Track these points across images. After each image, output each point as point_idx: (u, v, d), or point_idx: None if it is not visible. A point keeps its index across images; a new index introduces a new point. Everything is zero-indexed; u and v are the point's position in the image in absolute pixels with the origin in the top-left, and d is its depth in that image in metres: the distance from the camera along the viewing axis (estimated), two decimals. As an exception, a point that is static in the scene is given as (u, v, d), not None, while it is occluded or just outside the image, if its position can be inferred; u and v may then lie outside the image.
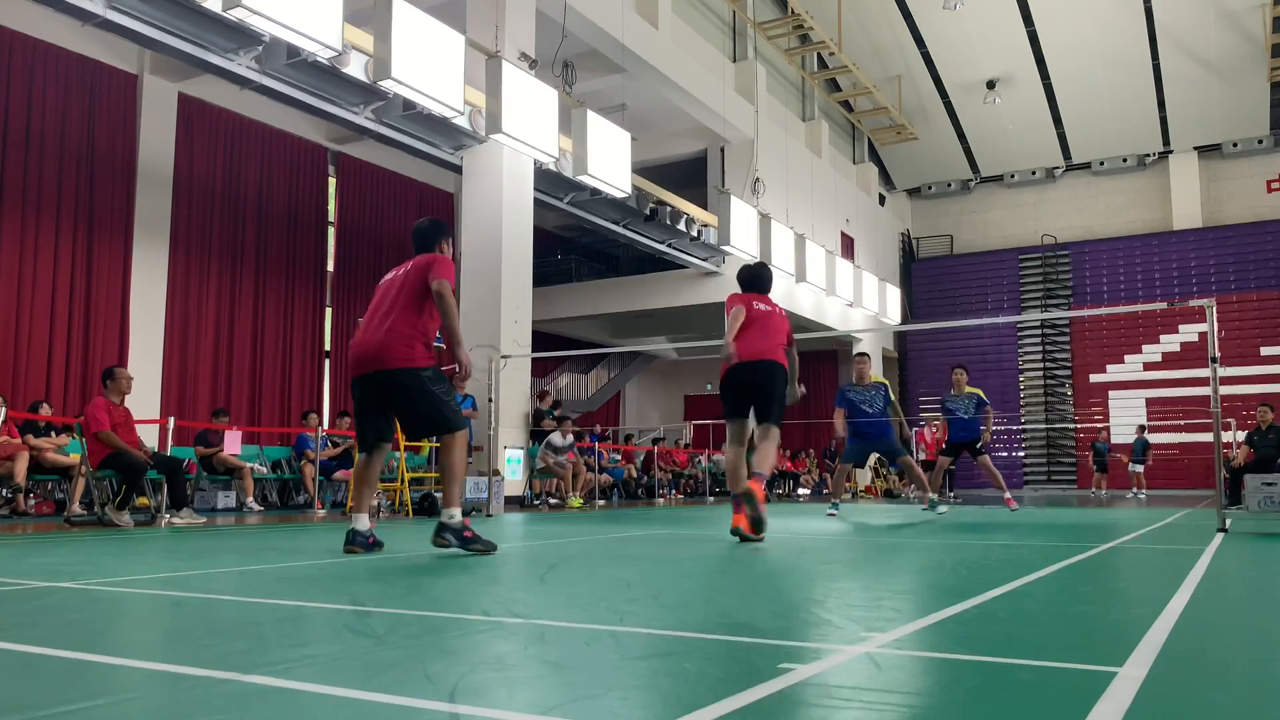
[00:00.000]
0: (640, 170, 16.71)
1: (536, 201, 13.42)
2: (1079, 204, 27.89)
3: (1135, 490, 20.63)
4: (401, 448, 9.92)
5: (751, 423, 6.06)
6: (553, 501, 12.92)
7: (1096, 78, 24.75)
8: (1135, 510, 12.01)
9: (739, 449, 6.03)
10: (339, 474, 11.17)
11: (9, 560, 4.51)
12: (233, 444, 10.25)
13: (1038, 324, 27.07)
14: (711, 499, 16.39)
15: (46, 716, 1.53)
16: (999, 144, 27.66)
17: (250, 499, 10.65)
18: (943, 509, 9.44)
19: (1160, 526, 7.78)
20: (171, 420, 8.94)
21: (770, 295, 6.42)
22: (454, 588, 3.45)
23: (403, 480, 9.79)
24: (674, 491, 17.55)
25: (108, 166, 12.84)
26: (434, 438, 4.83)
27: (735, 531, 5.56)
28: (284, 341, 15.32)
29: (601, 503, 13.97)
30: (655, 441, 19.70)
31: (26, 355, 11.86)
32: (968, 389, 10.85)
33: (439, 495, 9.67)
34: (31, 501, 9.54)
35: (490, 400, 10.87)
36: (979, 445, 10.50)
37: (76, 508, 8.06)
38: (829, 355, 26.77)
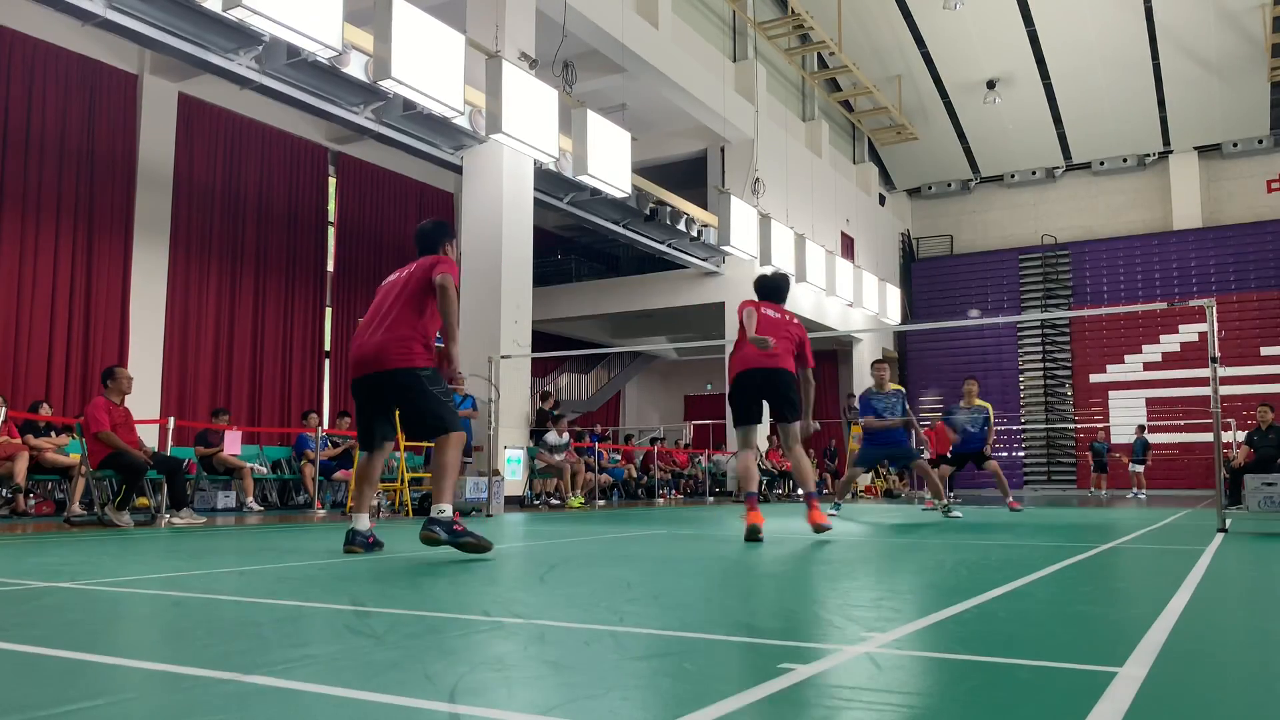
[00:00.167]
0: (640, 170, 16.71)
1: (536, 201, 13.42)
2: (1079, 204, 27.89)
3: (1135, 490, 20.63)
4: (401, 448, 9.92)
5: (763, 431, 6.23)
6: (553, 502, 12.92)
7: (1096, 78, 24.75)
8: (1135, 510, 12.02)
9: (750, 451, 6.28)
10: (339, 474, 11.17)
11: (9, 560, 4.51)
12: (233, 444, 10.25)
13: (1038, 324, 27.07)
14: (711, 499, 16.39)
15: (46, 716, 1.53)
16: (999, 144, 27.66)
17: (250, 499, 10.65)
18: (957, 513, 9.45)
19: (1160, 526, 7.78)
20: (171, 420, 8.94)
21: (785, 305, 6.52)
22: (454, 588, 3.45)
23: (403, 480, 9.79)
24: (674, 491, 17.55)
25: (108, 166, 12.84)
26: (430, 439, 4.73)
27: (753, 530, 5.92)
28: (284, 341, 15.32)
29: (601, 503, 13.97)
30: (653, 441, 19.69)
31: (26, 355, 11.87)
32: (978, 402, 10.92)
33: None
34: (31, 501, 9.54)
35: (490, 400, 10.87)
36: (985, 450, 10.66)
37: (76, 508, 8.06)
38: (829, 355, 26.78)
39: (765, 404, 6.18)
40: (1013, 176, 28.63)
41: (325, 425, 12.48)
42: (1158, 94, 24.97)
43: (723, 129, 18.93)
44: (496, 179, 12.55)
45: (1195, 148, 26.22)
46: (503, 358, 11.78)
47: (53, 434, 9.62)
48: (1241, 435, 13.79)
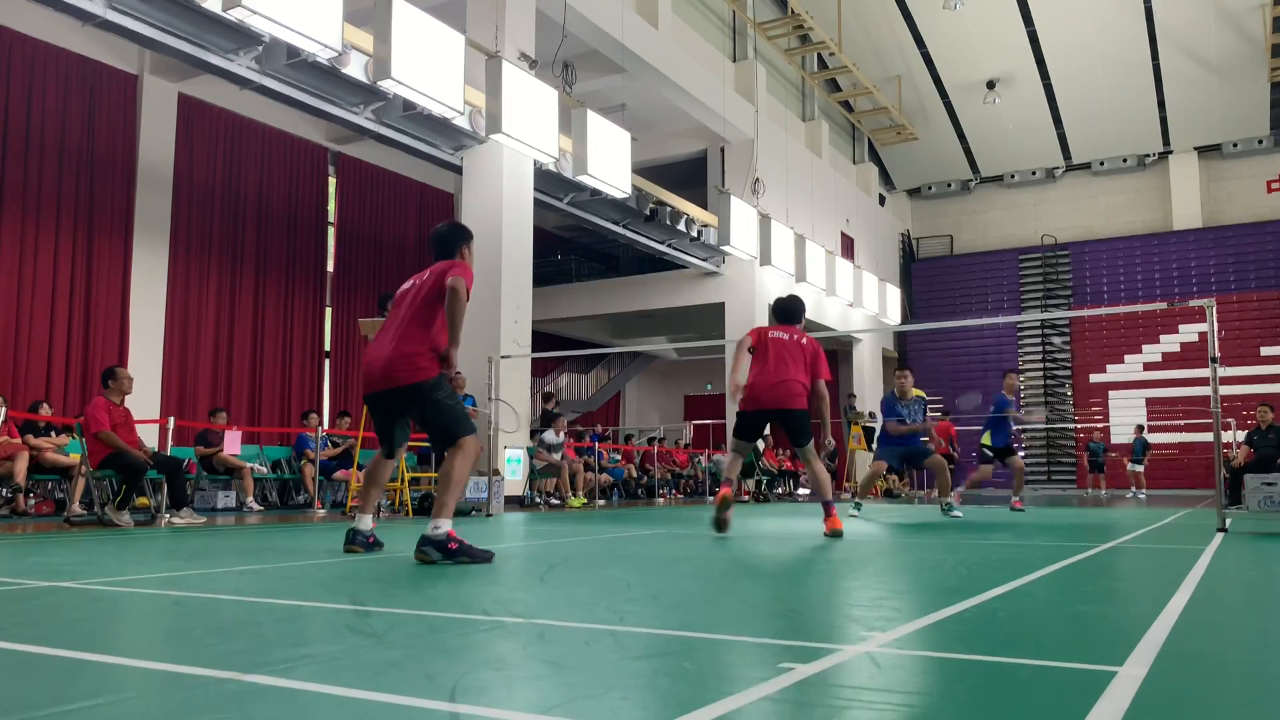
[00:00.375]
0: (640, 170, 16.71)
1: (536, 201, 13.42)
2: (1079, 204, 27.89)
3: (1134, 490, 20.65)
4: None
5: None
6: (553, 501, 12.92)
7: (1096, 78, 24.75)
8: (1135, 510, 12.02)
9: (738, 457, 6.79)
10: (339, 474, 11.17)
11: (9, 560, 4.51)
12: (232, 444, 10.25)
13: (1038, 324, 27.07)
14: (711, 499, 16.39)
15: (46, 716, 1.53)
16: (999, 144, 27.66)
17: (250, 499, 10.65)
18: (957, 512, 9.49)
19: (1160, 526, 7.78)
20: (171, 420, 8.94)
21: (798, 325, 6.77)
22: (454, 588, 3.45)
23: (403, 480, 9.79)
24: (674, 491, 17.55)
25: (108, 166, 12.84)
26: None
27: (724, 502, 6.36)
28: (284, 341, 15.32)
29: (601, 503, 13.97)
30: (651, 441, 19.69)
31: (26, 355, 11.86)
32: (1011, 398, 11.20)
33: (439, 495, 9.70)
34: (31, 501, 9.54)
35: (490, 400, 10.87)
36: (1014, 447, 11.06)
37: (76, 508, 8.06)
38: (829, 355, 26.64)
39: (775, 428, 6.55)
40: (1013, 176, 28.63)
41: (325, 425, 12.48)
42: (1158, 94, 24.97)
43: (723, 129, 18.93)
44: (496, 179, 12.55)
45: (1195, 148, 26.22)
46: (503, 358, 11.78)
47: (53, 434, 9.62)
48: (1241, 435, 13.79)
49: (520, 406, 12.68)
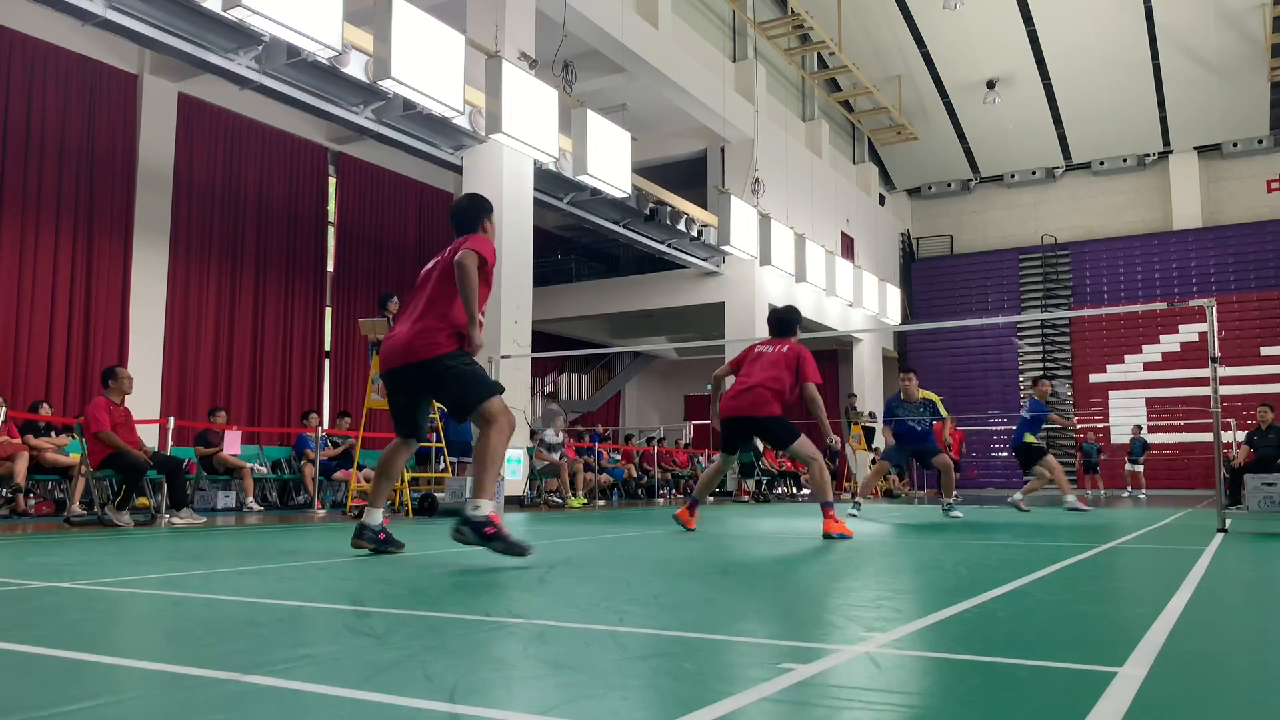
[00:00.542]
0: (640, 170, 16.71)
1: (536, 201, 13.42)
2: (1079, 204, 27.90)
3: (1132, 490, 20.67)
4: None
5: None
6: (553, 501, 12.92)
7: (1096, 78, 24.75)
8: (1135, 510, 12.02)
9: (717, 471, 7.23)
10: (339, 474, 11.17)
11: (9, 560, 4.51)
12: (232, 444, 10.25)
13: (1038, 324, 27.08)
14: (711, 499, 16.39)
15: (46, 716, 1.53)
16: (999, 144, 27.66)
17: (250, 499, 10.65)
18: (957, 512, 9.53)
19: (1160, 526, 7.78)
20: (171, 420, 8.94)
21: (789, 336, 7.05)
22: (454, 588, 3.45)
23: (402, 480, 9.78)
24: (674, 492, 17.55)
25: (108, 166, 12.84)
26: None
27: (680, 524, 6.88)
28: (284, 341, 15.32)
29: (602, 503, 13.97)
30: (651, 441, 19.69)
31: (26, 355, 11.86)
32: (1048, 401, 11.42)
33: (439, 495, 9.72)
34: (31, 501, 9.54)
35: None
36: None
37: (76, 508, 8.06)
38: (829, 355, 26.78)
39: (755, 439, 6.87)
40: (1013, 176, 28.64)
41: (325, 425, 12.48)
42: (1158, 94, 24.97)
43: (723, 129, 18.94)
44: (496, 179, 12.55)
45: (1195, 148, 26.23)
46: (503, 357, 11.78)
47: (53, 434, 9.62)
48: (1241, 435, 13.79)
49: (520, 406, 12.68)
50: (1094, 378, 26.32)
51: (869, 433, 19.28)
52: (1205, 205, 26.27)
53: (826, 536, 6.15)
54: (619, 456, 17.03)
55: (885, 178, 29.20)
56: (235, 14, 9.30)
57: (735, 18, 20.64)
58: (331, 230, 16.54)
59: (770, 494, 17.57)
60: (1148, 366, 25.59)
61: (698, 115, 18.37)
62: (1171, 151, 26.52)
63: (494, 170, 12.59)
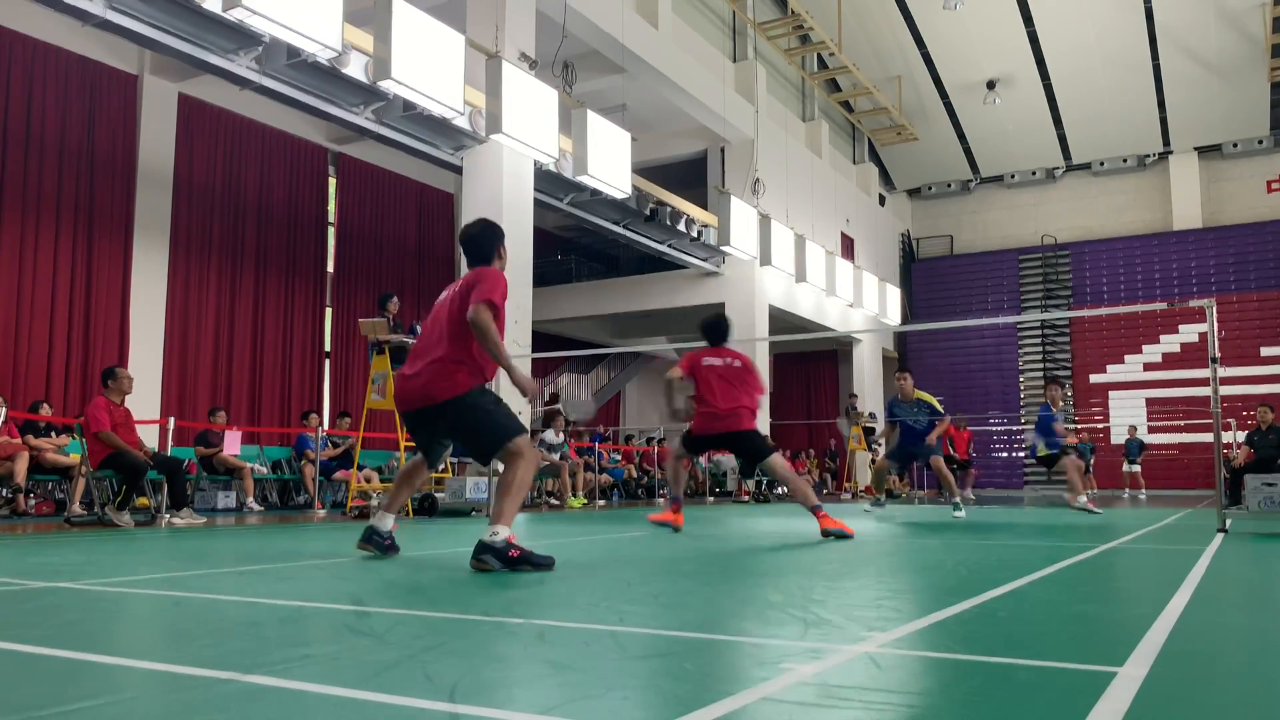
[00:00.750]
0: (640, 170, 16.71)
1: (536, 202, 13.42)
2: (1079, 204, 27.89)
3: (1131, 491, 20.69)
4: (401, 448, 9.93)
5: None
6: (552, 502, 12.92)
7: (1096, 78, 24.75)
8: (1134, 511, 12.02)
9: (681, 470, 7.32)
10: (339, 474, 11.17)
11: (9, 560, 4.51)
12: (233, 444, 10.25)
13: (1038, 324, 27.08)
14: (711, 499, 16.39)
15: (46, 716, 1.53)
16: (999, 144, 27.66)
17: (250, 499, 10.65)
18: (960, 513, 9.57)
19: (1160, 527, 7.78)
20: (171, 420, 8.95)
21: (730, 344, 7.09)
22: (454, 588, 3.45)
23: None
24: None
25: (108, 166, 12.84)
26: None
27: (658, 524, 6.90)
28: (284, 341, 15.32)
29: (601, 503, 13.97)
30: (651, 441, 19.69)
31: (26, 355, 11.86)
32: (1062, 404, 11.34)
33: (439, 495, 9.72)
34: (31, 501, 9.54)
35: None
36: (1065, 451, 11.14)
37: (76, 508, 8.06)
38: (829, 355, 26.78)
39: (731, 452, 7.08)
40: (1013, 177, 28.63)
41: (325, 425, 12.49)
42: (1158, 94, 24.97)
43: (723, 129, 18.93)
44: (496, 179, 12.55)
45: (1195, 148, 26.22)
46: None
47: (53, 434, 9.62)
48: (1241, 435, 13.79)
49: (521, 406, 12.69)
50: (1094, 378, 26.32)
51: (869, 433, 19.28)
52: (1205, 205, 26.26)
53: (825, 534, 6.18)
54: (619, 457, 17.03)
55: (885, 178, 29.19)
56: (235, 14, 9.30)
57: (735, 18, 20.64)
58: (331, 230, 16.53)
59: (770, 494, 17.56)
60: (1148, 367, 25.59)
61: (698, 115, 18.37)
62: (1171, 152, 26.51)
63: (494, 171, 12.59)
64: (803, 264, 20.36)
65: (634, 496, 16.59)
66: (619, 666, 1.97)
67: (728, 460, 17.74)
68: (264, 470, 11.59)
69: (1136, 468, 20.85)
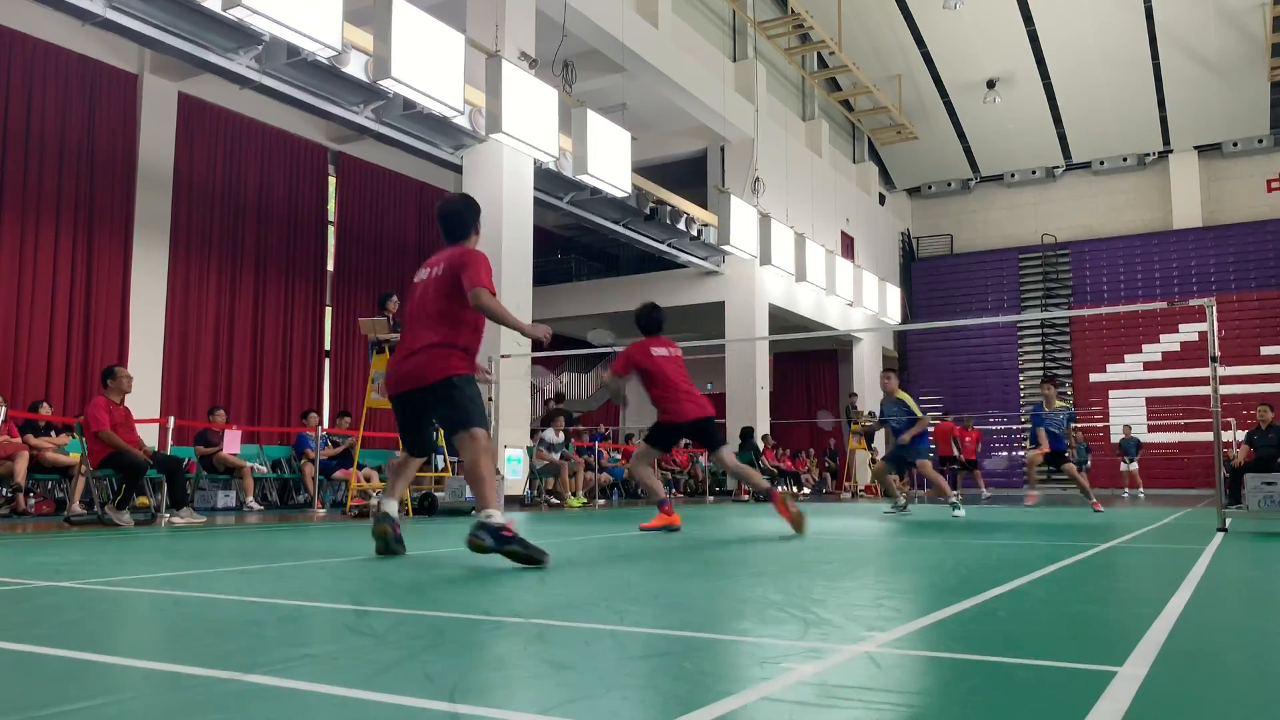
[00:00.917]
0: (640, 170, 16.71)
1: (536, 201, 13.42)
2: (1079, 203, 27.89)
3: (1128, 490, 20.70)
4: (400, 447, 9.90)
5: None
6: (552, 501, 12.93)
7: (1096, 77, 24.74)
8: (1134, 510, 12.02)
9: (652, 471, 7.20)
10: (339, 473, 11.17)
11: (9, 560, 4.51)
12: (232, 443, 10.25)
13: (1038, 323, 27.08)
14: (711, 498, 16.40)
15: (46, 716, 1.53)
16: (999, 144, 27.66)
17: (250, 498, 10.65)
18: (960, 512, 9.60)
19: (1160, 526, 7.78)
20: (171, 420, 8.94)
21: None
22: (454, 588, 3.45)
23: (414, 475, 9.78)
24: (674, 491, 17.55)
25: (108, 166, 12.83)
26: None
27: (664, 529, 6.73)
28: (284, 341, 15.31)
29: (601, 502, 13.97)
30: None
31: (26, 355, 11.86)
32: (1059, 404, 11.29)
33: (439, 495, 9.72)
34: (31, 501, 9.54)
35: (490, 400, 10.87)
36: (1065, 454, 11.08)
37: (76, 507, 8.06)
38: (829, 355, 26.77)
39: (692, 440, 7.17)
40: (1013, 176, 28.63)
41: (325, 425, 12.49)
42: (1158, 94, 24.97)
43: (723, 128, 18.93)
44: (496, 178, 12.55)
45: (1195, 147, 26.22)
46: (503, 357, 11.78)
47: (53, 433, 9.62)
48: (1241, 435, 13.79)
49: (520, 406, 12.69)
50: (1094, 377, 26.32)
51: (869, 437, 19.28)
52: (1205, 205, 26.26)
53: (793, 524, 6.38)
54: (619, 456, 17.03)
55: (885, 177, 29.19)
56: (235, 14, 9.30)
57: (735, 17, 20.64)
58: (331, 230, 16.53)
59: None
60: (1148, 366, 25.59)
61: (698, 115, 18.37)
62: (1171, 151, 26.51)
63: (494, 170, 12.58)
64: (802, 263, 20.37)
65: (634, 496, 16.59)
66: (619, 666, 1.97)
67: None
68: (264, 469, 11.59)
69: (1133, 466, 20.87)
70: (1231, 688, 1.91)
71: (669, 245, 17.66)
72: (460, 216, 4.68)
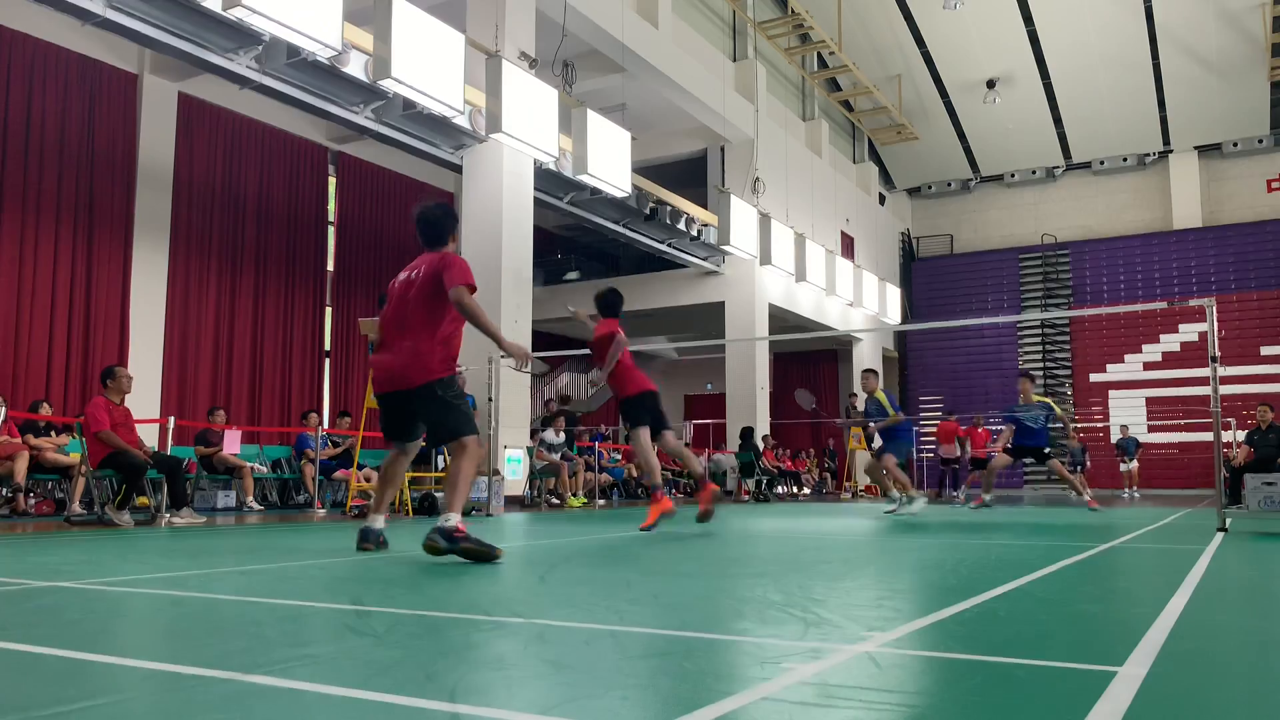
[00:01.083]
0: (640, 170, 16.70)
1: (536, 201, 13.42)
2: (1079, 204, 27.89)
3: (1127, 490, 20.70)
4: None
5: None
6: (552, 501, 12.93)
7: (1096, 77, 24.74)
8: (1133, 510, 12.02)
9: (651, 446, 7.41)
10: (339, 474, 11.17)
11: (9, 560, 4.51)
12: (232, 443, 10.25)
13: (1038, 324, 27.07)
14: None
15: (46, 716, 1.53)
16: (999, 144, 27.65)
17: (250, 499, 10.65)
18: (916, 506, 9.71)
19: (1160, 526, 7.78)
20: (171, 420, 8.95)
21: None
22: (454, 588, 3.45)
23: (403, 480, 9.78)
24: (674, 491, 17.55)
25: (108, 166, 12.83)
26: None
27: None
28: (284, 341, 15.31)
29: (601, 502, 13.97)
30: (652, 441, 19.66)
31: (26, 355, 11.86)
32: (1036, 398, 11.33)
33: (439, 495, 9.71)
34: (31, 501, 9.54)
35: (490, 400, 10.86)
36: (1046, 450, 11.15)
37: (77, 507, 8.06)
38: (829, 355, 26.77)
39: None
40: (1013, 176, 28.63)
41: (325, 425, 12.48)
42: (1158, 94, 24.96)
43: (723, 128, 18.93)
44: (496, 178, 12.55)
45: (1195, 147, 26.21)
46: (502, 357, 11.77)
47: (53, 434, 9.62)
48: (1241, 435, 13.80)
49: (520, 406, 12.68)
50: (1094, 377, 26.31)
51: (869, 435, 19.28)
52: (1205, 205, 26.25)
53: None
54: (619, 456, 17.03)
55: (885, 177, 29.19)
56: (235, 14, 9.30)
57: (735, 17, 20.63)
58: (331, 230, 16.53)
59: (770, 494, 17.57)
60: (1148, 366, 25.59)
61: (698, 115, 18.37)
62: (1171, 151, 26.51)
63: (494, 170, 12.59)
64: (803, 263, 20.36)
65: (634, 496, 16.59)
66: (619, 666, 1.97)
67: (727, 460, 17.76)
68: (264, 469, 11.59)
69: (1134, 465, 20.88)
70: (1231, 688, 1.91)
71: (669, 245, 17.66)
72: (440, 222, 4.83)
